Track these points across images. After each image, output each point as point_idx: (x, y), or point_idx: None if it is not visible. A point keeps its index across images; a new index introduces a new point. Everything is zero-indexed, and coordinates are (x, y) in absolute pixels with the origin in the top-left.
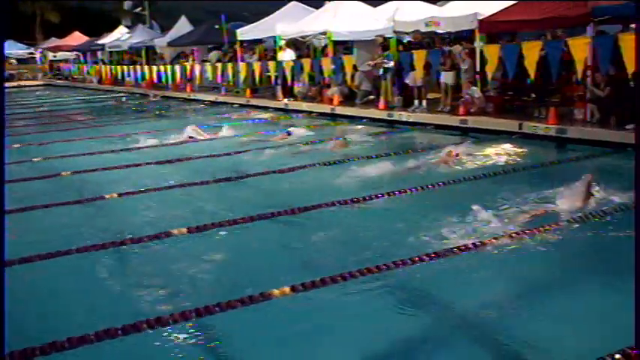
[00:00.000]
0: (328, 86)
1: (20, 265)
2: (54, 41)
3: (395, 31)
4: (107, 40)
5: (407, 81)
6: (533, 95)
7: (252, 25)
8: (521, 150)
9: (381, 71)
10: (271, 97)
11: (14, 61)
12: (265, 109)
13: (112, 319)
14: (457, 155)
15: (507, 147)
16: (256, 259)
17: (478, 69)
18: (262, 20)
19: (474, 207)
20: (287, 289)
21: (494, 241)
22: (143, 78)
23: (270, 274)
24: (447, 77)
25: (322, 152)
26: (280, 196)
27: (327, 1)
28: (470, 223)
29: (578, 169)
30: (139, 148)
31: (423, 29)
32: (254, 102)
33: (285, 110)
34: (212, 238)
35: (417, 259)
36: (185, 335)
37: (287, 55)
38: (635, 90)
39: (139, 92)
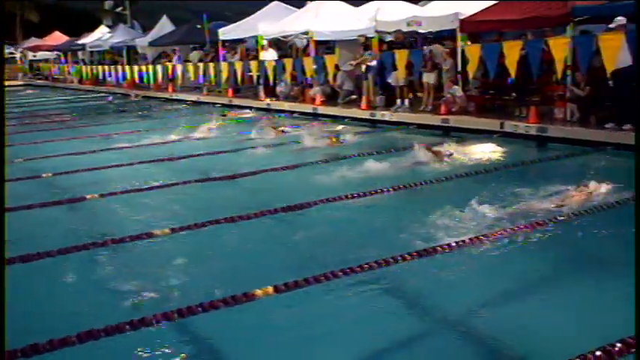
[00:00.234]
0: (310, 86)
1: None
2: (34, 41)
3: (377, 31)
4: (88, 39)
5: (389, 80)
6: (514, 95)
7: (234, 24)
8: (503, 149)
9: (363, 68)
10: (253, 97)
11: None
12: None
13: (94, 320)
14: (450, 155)
15: (489, 146)
16: (239, 259)
17: (460, 69)
18: (244, 20)
19: (457, 205)
20: (270, 289)
21: (478, 239)
22: (125, 78)
23: (254, 274)
24: (428, 77)
25: (309, 152)
26: (265, 195)
27: (308, 1)
28: (453, 222)
29: (559, 168)
30: (121, 148)
31: (405, 29)
32: (236, 102)
33: (268, 110)
34: (195, 238)
35: (399, 258)
36: (168, 336)
37: (269, 55)
38: (636, 90)
39: (121, 92)
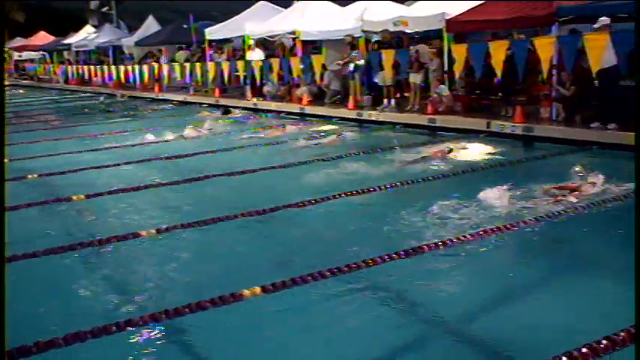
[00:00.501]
0: (297, 86)
1: None
2: (19, 41)
3: (363, 31)
4: (74, 39)
5: (376, 80)
6: (500, 94)
7: (220, 24)
8: (489, 148)
9: (351, 66)
10: (240, 97)
11: None
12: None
13: (81, 322)
14: (450, 151)
15: (475, 145)
16: (226, 259)
17: (446, 68)
18: (231, 20)
19: (443, 204)
20: (258, 289)
21: (465, 238)
22: (111, 78)
23: (241, 274)
24: (414, 77)
25: (295, 152)
26: (253, 195)
27: (295, 1)
28: (441, 221)
29: (545, 167)
30: (107, 148)
31: (392, 29)
32: (223, 102)
33: (255, 110)
34: (181, 238)
35: (387, 257)
36: (155, 337)
37: (256, 55)
38: (636, 90)
39: (107, 92)
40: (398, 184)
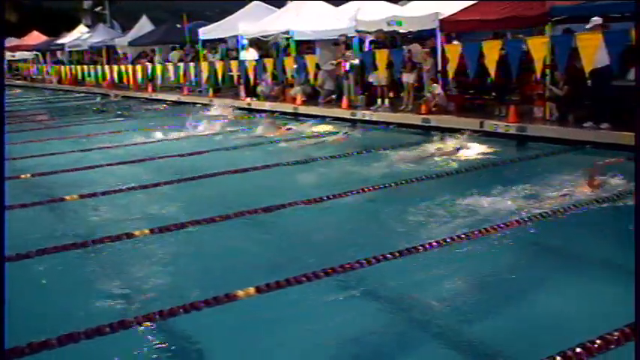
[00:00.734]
0: (291, 85)
1: None
2: (12, 41)
3: (357, 31)
4: (67, 39)
5: (371, 80)
6: (494, 94)
7: (214, 24)
8: (483, 148)
9: (347, 66)
10: (234, 97)
11: None
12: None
13: (74, 322)
14: (444, 151)
15: (469, 145)
16: (220, 259)
17: (440, 68)
18: (225, 20)
19: (437, 204)
20: (252, 289)
21: (459, 238)
22: (104, 78)
23: (236, 274)
24: (408, 77)
25: (289, 151)
26: (246, 195)
27: (289, 1)
28: (434, 220)
29: (538, 166)
30: (100, 148)
31: (386, 28)
32: (217, 102)
33: (249, 110)
34: (175, 239)
35: (381, 257)
36: (149, 338)
37: (250, 55)
38: (636, 90)
39: (100, 92)
40: (392, 184)
